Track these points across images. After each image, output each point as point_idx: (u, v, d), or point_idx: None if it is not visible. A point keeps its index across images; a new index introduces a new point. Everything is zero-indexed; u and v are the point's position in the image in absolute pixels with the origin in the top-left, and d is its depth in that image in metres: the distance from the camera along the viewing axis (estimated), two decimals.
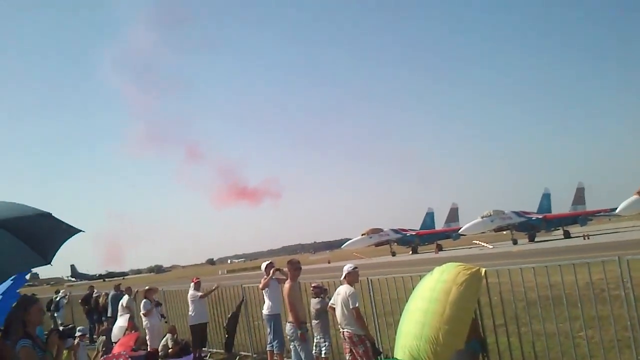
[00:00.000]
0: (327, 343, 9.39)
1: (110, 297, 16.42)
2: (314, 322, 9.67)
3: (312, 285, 9.88)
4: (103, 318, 16.28)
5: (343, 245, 75.97)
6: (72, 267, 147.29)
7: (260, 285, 10.56)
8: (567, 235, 57.49)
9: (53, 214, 3.15)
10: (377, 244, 70.57)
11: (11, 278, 4.89)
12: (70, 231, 3.40)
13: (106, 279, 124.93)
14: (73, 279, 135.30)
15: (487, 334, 7.32)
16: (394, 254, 66.46)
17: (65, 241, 3.53)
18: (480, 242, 57.70)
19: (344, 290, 8.19)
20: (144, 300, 13.47)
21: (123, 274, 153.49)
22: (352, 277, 8.31)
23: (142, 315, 13.39)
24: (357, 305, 7.91)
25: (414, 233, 71.91)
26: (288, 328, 8.78)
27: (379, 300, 8.99)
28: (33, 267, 4.24)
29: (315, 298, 9.77)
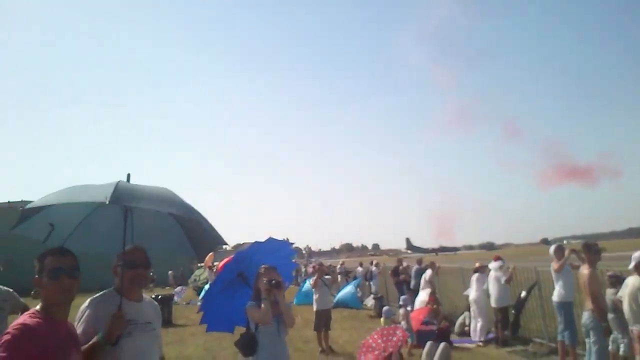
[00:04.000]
0: (625, 340, 8.13)
1: (413, 270, 17.09)
2: (610, 315, 8.47)
3: (608, 273, 8.66)
4: (407, 290, 17.06)
5: None
6: (407, 240, 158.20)
7: (556, 267, 9.65)
8: None
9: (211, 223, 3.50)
10: None
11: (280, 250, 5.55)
12: (219, 241, 3.74)
13: (438, 253, 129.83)
14: (409, 251, 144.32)
15: None
16: None
17: (213, 249, 4.08)
18: None
19: (632, 281, 6.95)
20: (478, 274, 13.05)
21: (455, 249, 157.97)
22: None
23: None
24: None
25: None
26: (586, 317, 7.86)
27: None
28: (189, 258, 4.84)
29: (611, 288, 8.55)
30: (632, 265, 7.08)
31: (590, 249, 8.11)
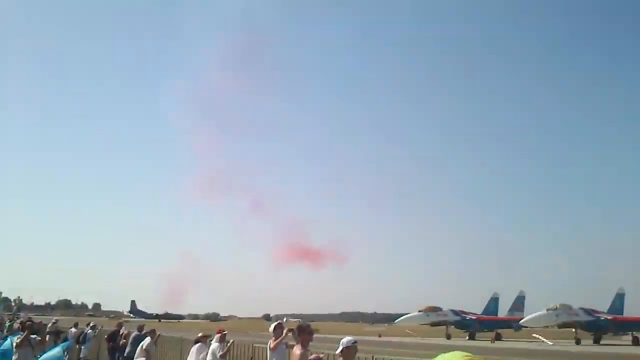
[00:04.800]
0: None
1: (132, 337, 16.37)
2: None
3: (311, 357, 9.38)
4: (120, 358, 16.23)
5: (396, 320, 73.20)
6: (132, 302, 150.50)
7: (272, 345, 10.10)
8: (636, 342, 53.58)
9: None
10: (433, 324, 67.69)
11: None
12: None
13: (162, 320, 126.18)
14: (131, 315, 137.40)
15: None
16: (448, 337, 63.11)
17: None
18: (540, 337, 54.32)
19: None
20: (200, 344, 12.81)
21: (179, 317, 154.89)
22: (348, 353, 7.72)
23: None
24: None
25: (474, 317, 68.65)
26: None
27: None
28: None
29: None
30: (339, 350, 7.78)
31: (303, 330, 8.76)
